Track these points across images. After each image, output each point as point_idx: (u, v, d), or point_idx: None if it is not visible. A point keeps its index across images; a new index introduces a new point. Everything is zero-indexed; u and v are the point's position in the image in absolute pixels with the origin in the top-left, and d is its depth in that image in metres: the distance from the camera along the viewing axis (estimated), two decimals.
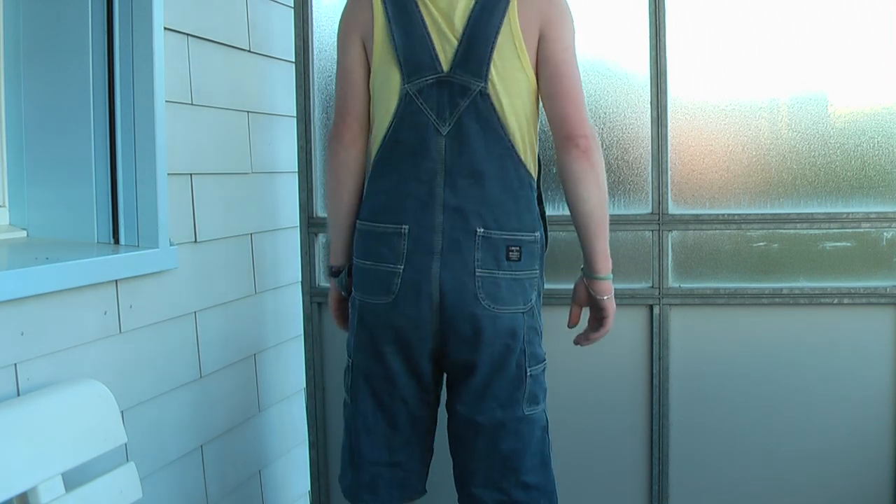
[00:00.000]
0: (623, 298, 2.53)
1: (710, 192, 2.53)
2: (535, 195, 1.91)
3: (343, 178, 1.95)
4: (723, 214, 2.50)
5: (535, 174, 1.90)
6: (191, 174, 2.13)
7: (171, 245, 1.99)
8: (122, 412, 1.78)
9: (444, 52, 1.81)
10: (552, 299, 2.54)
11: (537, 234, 1.88)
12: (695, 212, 2.51)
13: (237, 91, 2.34)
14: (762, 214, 2.50)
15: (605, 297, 1.95)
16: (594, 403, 2.57)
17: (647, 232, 2.52)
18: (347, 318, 2.01)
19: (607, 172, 2.54)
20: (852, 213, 2.47)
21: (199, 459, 2.17)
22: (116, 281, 1.86)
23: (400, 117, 1.83)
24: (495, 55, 1.79)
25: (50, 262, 1.67)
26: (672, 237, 2.52)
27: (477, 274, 1.80)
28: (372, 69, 1.87)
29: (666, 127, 2.49)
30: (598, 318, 2.00)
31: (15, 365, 1.60)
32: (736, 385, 2.53)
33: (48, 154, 1.94)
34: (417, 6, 1.82)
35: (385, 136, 1.85)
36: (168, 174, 1.98)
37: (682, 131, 2.53)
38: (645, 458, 2.56)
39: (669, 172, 2.50)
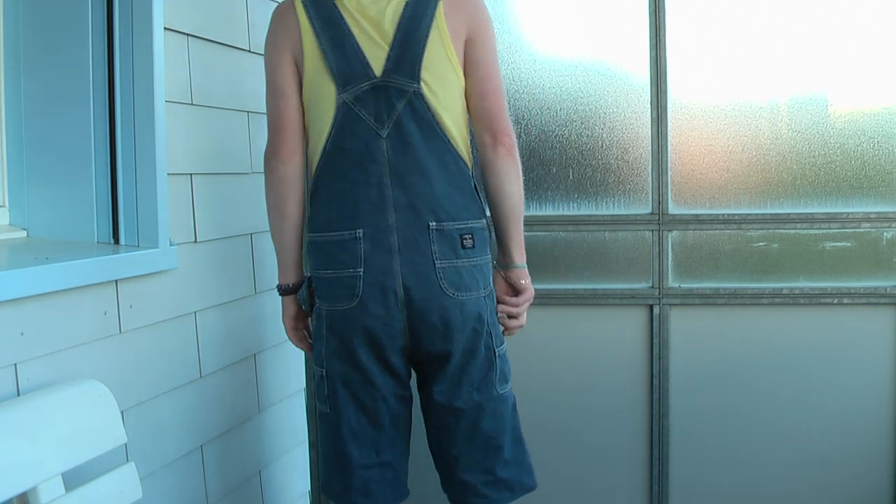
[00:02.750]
0: (623, 298, 2.53)
1: (710, 192, 2.53)
2: (473, 185, 1.96)
3: (284, 194, 1.98)
4: (723, 214, 2.50)
5: (470, 166, 1.96)
6: (191, 174, 2.13)
7: (171, 245, 1.99)
8: (122, 412, 1.78)
9: (376, 58, 1.87)
10: (552, 299, 2.54)
11: (484, 220, 1.95)
12: (695, 212, 2.52)
13: (237, 91, 2.34)
14: (762, 214, 2.50)
15: (524, 281, 2.01)
16: (594, 403, 2.57)
17: (647, 232, 2.52)
18: (303, 336, 2.10)
19: (607, 172, 2.55)
20: (852, 213, 2.47)
21: (199, 459, 2.17)
22: (116, 281, 1.86)
23: (339, 126, 1.88)
24: (426, 58, 1.86)
25: (50, 262, 1.67)
26: (672, 237, 2.52)
27: (437, 266, 1.85)
28: (304, 83, 1.92)
29: (666, 127, 2.49)
30: (521, 297, 2.04)
31: (15, 365, 1.60)
32: (736, 385, 2.53)
33: (48, 154, 1.94)
34: (343, 17, 1.88)
35: (325, 147, 1.90)
36: (168, 174, 1.98)
37: (682, 131, 2.53)
38: (645, 458, 2.56)
39: (669, 172, 2.51)
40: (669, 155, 2.50)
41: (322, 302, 1.93)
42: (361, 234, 1.86)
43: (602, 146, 2.55)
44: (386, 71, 1.86)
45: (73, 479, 1.58)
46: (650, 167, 2.51)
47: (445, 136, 1.88)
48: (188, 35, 2.11)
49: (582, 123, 2.56)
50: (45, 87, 1.93)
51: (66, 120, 1.93)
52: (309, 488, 2.79)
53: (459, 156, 1.91)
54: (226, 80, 2.29)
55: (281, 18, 1.95)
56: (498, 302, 2.00)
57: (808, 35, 2.49)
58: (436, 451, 2.00)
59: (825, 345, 2.50)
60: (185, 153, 2.10)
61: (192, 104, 2.13)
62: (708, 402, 2.54)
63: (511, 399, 1.99)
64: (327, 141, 1.90)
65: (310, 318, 2.05)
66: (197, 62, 2.14)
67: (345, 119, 1.88)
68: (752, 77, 2.51)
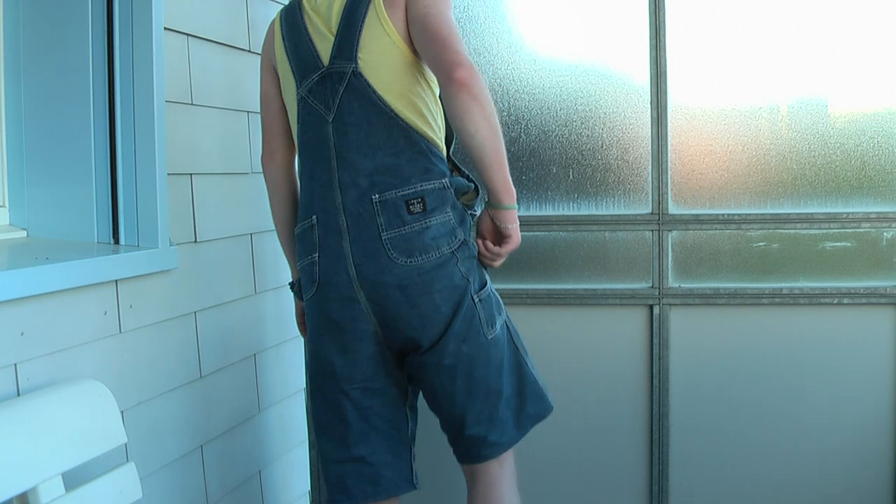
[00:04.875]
0: (623, 298, 2.53)
1: (710, 192, 2.53)
2: (440, 153, 1.92)
3: (272, 194, 2.10)
4: (723, 214, 2.50)
5: (434, 135, 1.91)
6: (191, 174, 2.13)
7: (171, 245, 1.99)
8: (122, 412, 1.78)
9: (325, 49, 1.91)
10: (552, 299, 2.54)
11: (442, 180, 1.89)
12: (695, 212, 2.51)
13: (237, 91, 2.34)
14: (762, 214, 2.50)
15: (511, 226, 1.91)
16: (594, 403, 2.57)
17: (647, 232, 2.52)
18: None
19: (607, 172, 2.55)
20: (852, 213, 2.47)
21: (199, 459, 2.17)
22: (116, 281, 1.86)
23: (301, 122, 1.95)
24: (363, 37, 1.87)
25: (50, 262, 1.67)
26: (672, 237, 2.52)
27: (383, 238, 1.85)
28: (281, 87, 2.02)
29: (666, 127, 2.49)
30: (503, 245, 1.96)
31: (15, 365, 1.60)
32: (736, 385, 2.53)
33: (48, 154, 1.94)
34: (302, 19, 1.96)
35: (298, 143, 1.99)
36: (168, 174, 1.98)
37: (682, 131, 2.53)
38: (645, 458, 2.56)
39: (669, 172, 2.51)
40: (669, 155, 2.50)
41: (303, 294, 1.99)
42: (315, 221, 1.90)
43: (602, 146, 2.55)
44: (331, 58, 1.90)
45: (73, 479, 1.58)
46: (650, 167, 2.51)
47: (389, 108, 1.86)
48: (188, 35, 2.11)
49: (582, 123, 2.56)
50: (45, 87, 1.93)
51: (66, 120, 1.93)
52: (309, 488, 2.79)
53: (409, 125, 1.87)
54: (226, 80, 2.29)
55: (269, 31, 2.07)
56: (479, 237, 1.94)
57: (808, 35, 2.49)
58: (439, 414, 1.97)
59: (825, 345, 2.50)
60: (185, 153, 2.10)
61: (192, 104, 2.13)
62: (708, 401, 2.54)
63: (503, 337, 1.94)
64: (298, 137, 1.98)
65: None
66: (197, 62, 2.14)
67: (303, 113, 1.95)
68: (752, 77, 2.51)
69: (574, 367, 2.55)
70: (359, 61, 1.87)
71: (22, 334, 1.61)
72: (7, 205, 1.96)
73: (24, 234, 1.96)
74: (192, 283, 2.12)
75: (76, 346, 1.75)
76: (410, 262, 1.84)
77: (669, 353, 2.52)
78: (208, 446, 2.20)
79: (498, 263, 1.96)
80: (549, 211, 2.56)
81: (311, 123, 1.93)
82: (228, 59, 2.30)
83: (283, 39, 1.98)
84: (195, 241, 2.14)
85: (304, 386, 2.71)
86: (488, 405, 1.92)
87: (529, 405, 1.97)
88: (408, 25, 1.88)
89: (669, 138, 2.50)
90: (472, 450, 1.95)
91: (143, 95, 1.92)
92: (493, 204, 1.92)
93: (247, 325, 2.41)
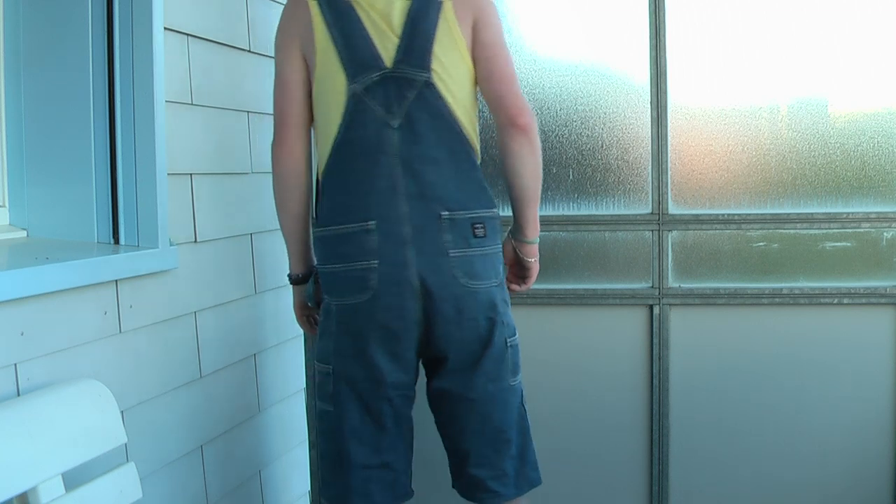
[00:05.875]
0: (623, 298, 2.53)
1: (710, 192, 2.53)
2: (481, 174, 1.97)
3: (290, 186, 1.99)
4: (723, 214, 2.50)
5: (479, 156, 1.98)
6: (191, 174, 2.13)
7: (171, 245, 1.99)
8: (122, 412, 1.78)
9: (386, 49, 1.87)
10: (552, 299, 2.54)
11: (495, 210, 1.95)
12: (695, 212, 2.52)
13: (237, 91, 2.34)
14: (762, 214, 2.50)
15: (532, 259, 2.03)
16: (594, 403, 2.57)
17: (647, 232, 2.52)
18: (313, 323, 2.10)
19: (607, 172, 2.55)
20: (852, 213, 2.47)
21: (199, 459, 2.17)
22: (116, 281, 1.86)
23: (350, 117, 1.88)
24: (436, 47, 1.87)
25: (50, 262, 1.67)
26: (672, 237, 2.52)
27: (450, 255, 1.85)
28: (314, 76, 1.92)
29: (666, 127, 2.49)
30: (522, 277, 2.07)
31: (15, 365, 1.60)
32: (736, 385, 2.53)
33: (48, 154, 1.94)
34: (354, 9, 1.89)
35: (336, 139, 1.90)
36: (168, 174, 1.98)
37: (682, 131, 2.53)
38: (645, 458, 2.56)
39: (669, 172, 2.51)
40: (669, 155, 2.50)
41: (331, 297, 1.92)
42: (374, 226, 1.85)
43: (602, 146, 2.55)
44: (396, 61, 1.86)
45: (73, 479, 1.58)
46: (650, 167, 2.51)
47: (456, 125, 1.88)
48: (188, 35, 2.11)
49: (582, 123, 2.56)
50: (45, 86, 1.93)
51: (66, 120, 1.93)
52: (309, 488, 2.79)
53: (470, 145, 1.91)
54: (226, 80, 2.29)
55: (292, 13, 1.95)
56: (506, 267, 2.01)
57: (808, 35, 2.49)
58: (447, 443, 1.99)
59: (825, 345, 2.50)
60: (185, 153, 2.10)
61: (192, 104, 2.13)
62: (708, 401, 2.54)
63: (520, 391, 1.99)
64: (338, 133, 1.89)
65: (316, 314, 2.06)
66: (197, 62, 2.14)
67: (355, 110, 1.87)
68: (752, 77, 2.51)
69: (574, 366, 2.55)
70: (432, 72, 1.86)
71: (22, 334, 1.61)
72: (7, 205, 1.96)
73: (24, 234, 1.96)
74: (192, 283, 2.12)
75: (76, 346, 1.75)
76: (470, 284, 1.87)
77: (669, 353, 2.52)
78: (208, 446, 2.20)
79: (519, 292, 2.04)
80: (549, 211, 2.56)
81: (363, 123, 1.87)
82: (228, 59, 2.30)
83: (328, 26, 1.89)
84: (195, 241, 2.14)
85: (304, 386, 2.71)
86: (494, 450, 1.94)
87: (529, 468, 1.99)
88: (473, 44, 1.91)
89: (669, 138, 2.50)
90: (473, 491, 1.97)
91: (143, 95, 1.92)
92: (520, 238, 2.01)
93: (247, 325, 2.41)
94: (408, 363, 1.91)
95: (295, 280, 2.09)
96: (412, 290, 1.84)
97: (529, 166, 1.92)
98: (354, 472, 1.93)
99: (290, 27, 1.95)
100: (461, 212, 1.86)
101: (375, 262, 1.84)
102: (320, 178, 1.96)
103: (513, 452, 1.96)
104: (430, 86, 1.86)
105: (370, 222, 1.85)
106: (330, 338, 1.94)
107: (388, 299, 1.84)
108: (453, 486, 2.00)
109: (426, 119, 1.86)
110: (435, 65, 1.86)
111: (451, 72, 1.88)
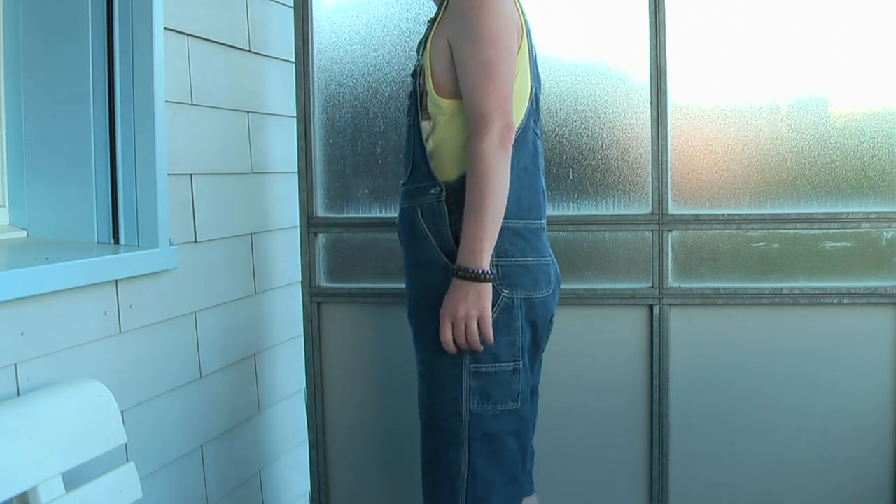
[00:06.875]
0: (623, 298, 2.53)
1: (710, 192, 2.53)
2: None
3: (509, 177, 1.87)
4: (723, 214, 2.50)
5: None
6: (191, 174, 2.13)
7: (171, 245, 1.99)
8: (122, 412, 1.78)
9: (535, 80, 2.05)
10: None
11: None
12: (695, 212, 2.51)
13: (237, 91, 2.34)
14: (762, 214, 2.50)
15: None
16: (594, 403, 2.57)
17: (647, 232, 2.52)
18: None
19: (607, 172, 2.55)
20: (852, 213, 2.47)
21: (199, 459, 2.17)
22: (116, 281, 1.86)
23: (530, 120, 1.98)
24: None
25: (50, 262, 1.67)
26: (672, 237, 2.52)
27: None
28: (515, 74, 1.90)
29: (666, 127, 2.49)
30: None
31: (15, 365, 1.60)
32: (736, 385, 2.53)
33: (48, 154, 1.94)
34: (531, 34, 2.02)
35: (524, 138, 1.95)
36: (168, 174, 1.98)
37: (682, 131, 2.53)
38: (645, 458, 2.56)
39: (669, 172, 2.50)
40: (669, 155, 2.50)
41: (517, 290, 1.90)
42: (544, 225, 2.03)
43: (602, 146, 2.55)
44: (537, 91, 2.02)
45: (73, 479, 1.58)
46: (650, 167, 2.51)
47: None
48: (188, 35, 2.11)
49: (582, 123, 2.56)
50: (45, 87, 1.93)
51: (66, 120, 1.93)
52: (309, 488, 2.79)
53: None
54: (226, 80, 2.29)
55: (509, 5, 1.91)
56: None
57: (808, 35, 2.49)
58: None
59: (825, 345, 2.50)
60: (185, 153, 2.10)
61: (192, 104, 2.13)
62: (708, 402, 2.53)
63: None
64: (526, 133, 1.96)
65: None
66: (197, 62, 2.14)
67: (533, 114, 1.99)
68: (752, 77, 2.51)
69: (574, 367, 2.54)
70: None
71: (22, 334, 1.61)
72: (7, 205, 1.96)
73: (24, 234, 1.96)
74: (192, 283, 2.12)
75: (76, 346, 1.75)
76: None
77: (669, 353, 2.52)
78: (208, 446, 2.20)
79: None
80: (549, 211, 2.56)
81: (532, 128, 1.99)
82: (228, 59, 2.30)
83: (528, 32, 1.99)
84: (195, 241, 2.14)
85: (304, 386, 2.71)
86: None
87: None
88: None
89: (669, 138, 2.50)
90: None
91: (143, 95, 1.92)
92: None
93: (247, 325, 2.41)
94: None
95: (488, 275, 1.85)
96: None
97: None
98: (530, 461, 2.06)
99: (511, 17, 1.91)
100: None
101: (550, 258, 2.01)
102: (516, 171, 1.89)
103: None
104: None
105: (543, 221, 2.02)
106: (518, 333, 1.91)
107: (557, 295, 2.03)
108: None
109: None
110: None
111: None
